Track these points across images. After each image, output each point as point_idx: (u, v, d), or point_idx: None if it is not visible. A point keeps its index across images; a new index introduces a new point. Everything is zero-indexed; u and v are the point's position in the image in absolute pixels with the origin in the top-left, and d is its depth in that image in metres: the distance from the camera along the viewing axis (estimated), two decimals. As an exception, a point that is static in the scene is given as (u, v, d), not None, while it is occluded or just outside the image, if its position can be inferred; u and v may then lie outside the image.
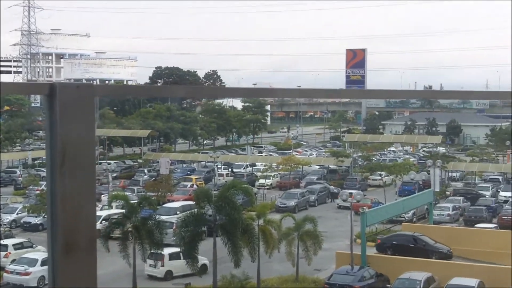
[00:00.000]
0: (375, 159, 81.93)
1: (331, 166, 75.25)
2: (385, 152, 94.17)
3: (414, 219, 49.95)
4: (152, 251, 33.72)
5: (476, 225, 46.11)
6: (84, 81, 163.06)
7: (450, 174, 72.80)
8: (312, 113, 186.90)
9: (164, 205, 49.50)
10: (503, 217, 49.66)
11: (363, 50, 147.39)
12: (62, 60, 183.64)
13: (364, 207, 41.39)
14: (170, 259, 35.66)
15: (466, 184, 68.16)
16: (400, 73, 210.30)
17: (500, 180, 70.15)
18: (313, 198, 58.91)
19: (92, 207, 1.98)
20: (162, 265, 35.50)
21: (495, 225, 47.08)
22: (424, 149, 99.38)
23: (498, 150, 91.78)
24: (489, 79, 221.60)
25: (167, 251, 34.95)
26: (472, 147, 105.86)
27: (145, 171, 72.10)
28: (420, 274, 31.82)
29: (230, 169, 75.00)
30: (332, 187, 62.92)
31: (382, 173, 67.10)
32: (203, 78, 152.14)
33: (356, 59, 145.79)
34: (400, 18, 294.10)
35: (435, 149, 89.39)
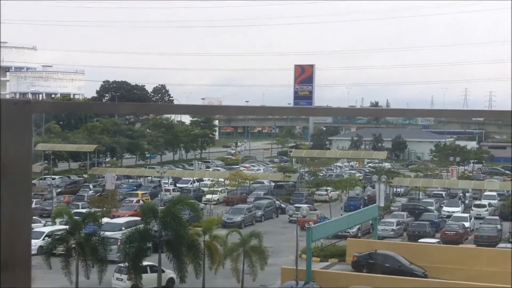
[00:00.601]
0: (321, 174, 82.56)
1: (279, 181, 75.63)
2: (332, 168, 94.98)
3: (359, 234, 50.44)
4: (120, 265, 33.24)
5: (420, 240, 46.78)
6: (30, 95, 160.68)
7: (394, 189, 73.75)
8: (260, 128, 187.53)
9: (109, 221, 48.92)
10: (446, 232, 50.53)
11: (311, 66, 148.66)
12: (7, 73, 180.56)
13: (310, 222, 41.64)
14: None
15: (410, 199, 69.10)
16: (348, 89, 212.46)
17: (444, 195, 71.38)
18: (260, 213, 59.04)
19: (27, 223, 2.00)
20: (129, 279, 34.94)
21: (438, 240, 47.85)
22: (369, 164, 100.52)
23: (442, 166, 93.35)
24: (434, 95, 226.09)
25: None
26: (416, 163, 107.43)
27: (91, 186, 71.22)
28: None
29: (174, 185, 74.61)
30: (278, 202, 63.25)
31: (328, 188, 67.65)
32: (151, 92, 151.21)
33: (304, 75, 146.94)
34: (348, 34, 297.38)
35: (381, 164, 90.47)
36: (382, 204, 58.18)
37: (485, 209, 61.72)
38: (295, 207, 47.43)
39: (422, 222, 53.84)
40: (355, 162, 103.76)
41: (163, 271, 34.34)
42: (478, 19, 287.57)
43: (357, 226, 49.52)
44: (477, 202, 65.53)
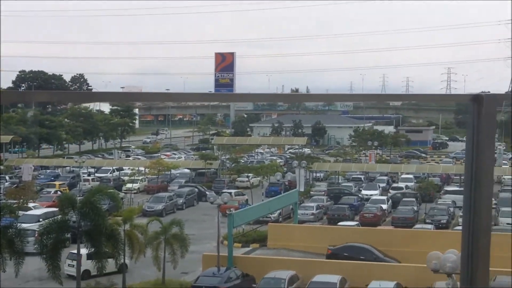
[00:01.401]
0: (242, 161, 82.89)
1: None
2: (253, 154, 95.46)
3: (280, 219, 50.94)
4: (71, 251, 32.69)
5: (339, 223, 47.55)
6: None
7: (314, 174, 74.69)
8: (181, 116, 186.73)
9: (26, 213, 47.85)
10: (365, 215, 51.55)
11: (232, 54, 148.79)
12: None
13: (231, 209, 41.75)
14: (87, 259, 34.61)
15: (330, 184, 70.12)
16: (268, 77, 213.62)
17: (362, 179, 72.78)
18: (181, 201, 58.90)
19: None
20: (80, 265, 34.24)
21: (357, 222, 48.77)
22: (290, 150, 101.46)
23: (360, 150, 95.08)
24: (353, 81, 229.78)
25: (84, 251, 33.98)
26: (336, 148, 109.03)
27: (7, 177, 69.47)
28: (285, 273, 32.43)
29: (93, 175, 73.58)
30: (204, 188, 63.45)
31: (249, 174, 67.96)
32: (69, 81, 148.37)
33: (225, 63, 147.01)
34: (268, 22, 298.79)
35: (301, 150, 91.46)
36: (302, 189, 58.87)
37: (402, 191, 63.17)
38: (224, 192, 47.26)
39: (341, 205, 54.77)
40: (275, 148, 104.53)
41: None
42: (400, 8, 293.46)
43: (278, 211, 49.96)
44: (395, 185, 67.03)
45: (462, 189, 63.31)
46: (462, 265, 3.01)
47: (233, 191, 59.85)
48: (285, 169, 75.93)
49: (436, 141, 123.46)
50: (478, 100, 2.92)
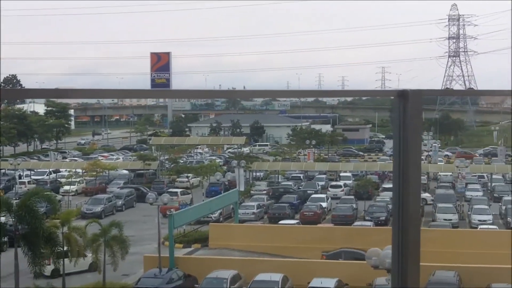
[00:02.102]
0: (182, 161, 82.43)
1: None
2: (192, 154, 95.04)
3: (221, 219, 50.83)
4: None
5: (280, 222, 47.70)
6: None
7: (254, 173, 74.81)
8: (118, 117, 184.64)
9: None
10: (305, 213, 51.84)
11: (168, 54, 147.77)
12: None
13: (172, 209, 41.45)
14: (57, 258, 34.45)
15: (270, 183, 70.31)
16: (205, 76, 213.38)
17: (301, 177, 73.24)
18: (120, 202, 58.25)
19: None
20: (49, 264, 34.04)
21: (298, 220, 48.99)
22: (229, 150, 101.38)
23: (298, 149, 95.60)
24: (289, 81, 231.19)
25: None
26: (275, 147, 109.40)
27: None
28: (227, 272, 32.37)
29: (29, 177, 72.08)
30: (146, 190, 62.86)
31: (189, 175, 67.62)
32: (2, 82, 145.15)
33: (160, 63, 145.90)
34: (203, 22, 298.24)
35: (240, 149, 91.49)
36: (242, 189, 58.87)
37: (341, 189, 63.82)
38: (170, 191, 46.85)
39: (282, 204, 54.98)
40: (214, 148, 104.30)
41: None
42: (336, 7, 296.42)
43: (219, 211, 49.85)
44: (333, 183, 67.62)
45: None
46: (393, 261, 3.01)
47: (178, 190, 60.32)
48: (225, 168, 75.84)
49: (373, 139, 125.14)
50: (404, 95, 2.92)
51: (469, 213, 50.98)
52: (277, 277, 31.59)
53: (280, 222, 47.62)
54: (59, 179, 70.31)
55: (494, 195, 60.27)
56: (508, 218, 45.60)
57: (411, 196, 2.97)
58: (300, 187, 65.64)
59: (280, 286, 30.89)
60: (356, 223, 47.84)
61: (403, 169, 2.96)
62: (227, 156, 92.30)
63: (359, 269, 30.32)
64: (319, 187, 65.74)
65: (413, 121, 2.94)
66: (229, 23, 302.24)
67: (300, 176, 73.73)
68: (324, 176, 73.03)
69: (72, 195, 62.41)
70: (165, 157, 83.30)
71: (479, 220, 48.05)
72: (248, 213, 52.17)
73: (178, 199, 56.82)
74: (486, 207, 51.72)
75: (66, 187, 64.72)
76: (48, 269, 34.82)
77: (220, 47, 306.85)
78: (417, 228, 3.00)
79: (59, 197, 55.96)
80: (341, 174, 72.29)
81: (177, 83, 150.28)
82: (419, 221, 3.03)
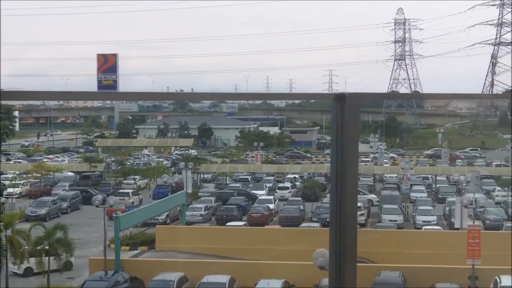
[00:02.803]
0: (128, 163, 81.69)
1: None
2: (139, 156, 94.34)
3: (168, 221, 50.57)
4: None
5: (227, 224, 47.65)
6: None
7: (202, 175, 74.60)
8: (63, 119, 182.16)
9: None
10: (252, 215, 51.91)
11: (115, 55, 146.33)
12: None
13: (118, 212, 41.04)
14: (30, 256, 34.52)
15: (217, 185, 70.21)
16: (152, 78, 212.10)
17: (249, 179, 73.37)
18: (66, 205, 57.48)
19: None
20: (22, 262, 34.07)
21: (245, 222, 49.03)
22: (176, 152, 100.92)
23: (246, 151, 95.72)
24: (238, 83, 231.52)
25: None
26: (223, 149, 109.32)
27: None
28: (173, 275, 32.20)
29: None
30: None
31: (136, 177, 67.07)
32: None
33: (107, 64, 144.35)
34: (150, 24, 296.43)
35: (187, 151, 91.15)
36: (189, 191, 58.71)
37: (288, 191, 64.10)
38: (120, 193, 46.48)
39: (229, 206, 54.96)
40: (162, 150, 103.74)
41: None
42: (282, 10, 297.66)
43: (166, 213, 49.59)
44: (281, 184, 67.85)
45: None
46: (330, 261, 3.03)
47: (130, 190, 60.62)
48: (173, 169, 75.44)
49: (320, 141, 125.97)
50: (341, 99, 2.95)
51: (414, 214, 51.69)
52: (224, 278, 31.56)
53: (228, 224, 47.58)
54: (2, 181, 69.00)
55: (438, 196, 61.26)
56: (452, 219, 46.32)
57: (348, 198, 2.98)
58: (248, 189, 65.71)
59: (227, 288, 30.85)
60: (303, 224, 48.08)
61: (341, 172, 2.97)
62: (175, 158, 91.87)
63: (306, 270, 30.46)
64: (266, 188, 65.91)
65: (350, 124, 2.96)
66: (178, 25, 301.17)
67: (248, 178, 73.85)
68: (271, 177, 73.25)
69: (16, 198, 61.33)
70: (112, 159, 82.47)
71: (423, 221, 48.73)
72: (195, 215, 52.00)
73: (130, 199, 56.65)
74: (431, 208, 52.52)
75: (10, 189, 63.58)
76: (21, 267, 35.14)
77: (168, 50, 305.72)
78: (354, 229, 3.02)
79: (2, 199, 54.91)
80: (288, 175, 72.50)
81: (124, 85, 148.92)
82: (355, 223, 3.05)
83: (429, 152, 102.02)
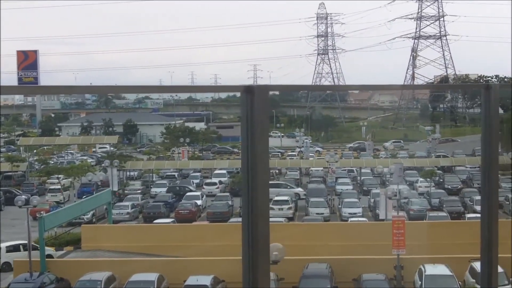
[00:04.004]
0: (52, 162, 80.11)
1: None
2: (63, 155, 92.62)
3: (94, 220, 49.85)
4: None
5: (155, 221, 47.31)
6: None
7: (128, 173, 73.80)
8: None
9: None
10: (180, 211, 51.65)
11: (35, 52, 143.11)
12: None
13: (42, 212, 40.18)
14: (7, 252, 34.96)
15: (144, 182, 69.57)
16: (75, 75, 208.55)
17: (176, 176, 73.03)
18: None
19: None
20: None
21: (173, 219, 48.76)
22: (101, 149, 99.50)
23: (173, 147, 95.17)
24: (162, 79, 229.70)
25: (4, 244, 31.76)
26: (149, 145, 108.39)
27: None
28: (101, 274, 31.79)
29: None
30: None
31: (60, 176, 65.85)
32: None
33: (28, 61, 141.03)
34: (71, 20, 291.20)
35: (112, 149, 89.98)
36: (115, 189, 58.02)
37: (216, 186, 64.05)
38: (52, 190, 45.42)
39: (156, 203, 54.58)
40: (86, 148, 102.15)
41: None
42: (208, 5, 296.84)
43: (91, 212, 48.88)
44: (208, 180, 67.75)
45: (272, 182, 65.23)
46: (243, 253, 3.03)
47: (61, 187, 60.49)
48: (98, 167, 74.39)
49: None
50: (250, 91, 2.95)
51: (340, 206, 52.44)
52: (152, 276, 31.33)
53: (155, 221, 47.26)
54: None
55: (363, 188, 62.31)
56: (377, 211, 47.20)
57: (259, 191, 2.98)
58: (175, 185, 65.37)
59: (155, 286, 30.65)
60: (232, 219, 48.13)
61: (251, 163, 2.96)
62: (100, 156, 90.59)
63: (235, 265, 30.49)
64: (194, 184, 65.70)
65: (260, 116, 2.96)
66: (100, 21, 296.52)
67: (174, 175, 73.47)
68: (199, 174, 73.04)
69: None
70: (35, 158, 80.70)
71: (349, 213, 49.51)
72: (122, 213, 51.46)
73: (61, 195, 56.30)
74: (356, 200, 53.39)
75: None
76: None
77: (89, 45, 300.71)
78: (266, 221, 3.02)
79: None
80: (216, 171, 72.40)
81: (45, 82, 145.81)
82: (268, 216, 3.05)
83: (351, 145, 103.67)
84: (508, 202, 51.29)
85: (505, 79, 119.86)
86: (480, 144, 3.51)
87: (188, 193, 58.38)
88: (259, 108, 2.95)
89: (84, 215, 47.11)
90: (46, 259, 34.62)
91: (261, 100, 2.95)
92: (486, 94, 3.45)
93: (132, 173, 75.26)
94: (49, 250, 37.99)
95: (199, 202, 55.02)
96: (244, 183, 3.00)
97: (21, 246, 38.80)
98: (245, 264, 3.02)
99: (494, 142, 3.50)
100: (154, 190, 63.63)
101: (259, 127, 2.95)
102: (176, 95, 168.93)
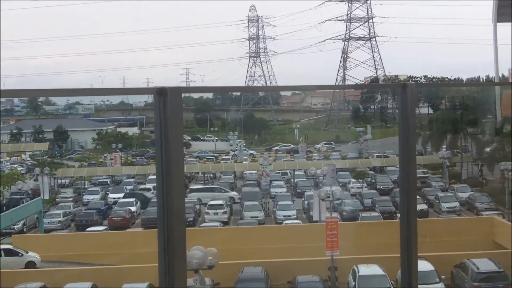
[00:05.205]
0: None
1: None
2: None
3: (25, 229, 48.77)
4: None
5: (88, 229, 46.55)
6: None
7: (59, 180, 72.47)
8: None
9: None
10: (113, 218, 50.95)
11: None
12: None
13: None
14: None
15: (76, 189, 68.40)
16: (3, 81, 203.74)
17: (109, 182, 72.05)
18: None
19: None
20: None
21: (106, 227, 48.07)
22: (31, 157, 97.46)
23: (104, 153, 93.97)
24: (92, 83, 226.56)
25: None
26: (80, 152, 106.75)
27: None
28: (33, 285, 31.09)
29: None
30: None
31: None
32: None
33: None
34: (2, 24, 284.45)
35: (43, 156, 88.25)
36: (46, 197, 56.95)
37: (150, 192, 63.41)
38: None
39: (89, 210, 53.74)
40: (16, 156, 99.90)
41: (22, 254, 36.69)
42: (136, 8, 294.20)
43: (22, 222, 47.81)
44: (142, 186, 67.02)
45: (206, 186, 64.83)
46: (159, 259, 3.00)
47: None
48: (28, 176, 72.78)
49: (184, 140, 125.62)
50: (163, 93, 2.94)
51: (274, 209, 52.61)
52: (85, 285, 30.81)
53: (88, 229, 46.50)
54: None
55: (297, 190, 62.65)
56: (311, 212, 47.53)
57: (174, 193, 2.94)
58: (108, 192, 64.44)
59: (89, 295, 30.14)
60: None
61: (166, 167, 2.92)
62: (30, 163, 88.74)
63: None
64: (127, 191, 64.89)
65: (173, 118, 2.93)
66: (29, 25, 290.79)
67: (107, 181, 72.51)
68: (132, 180, 72.21)
69: None
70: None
71: (283, 216, 49.68)
72: (54, 222, 50.47)
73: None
74: (290, 202, 53.61)
75: None
76: None
77: (18, 50, 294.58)
78: (182, 225, 2.98)
79: None
80: (150, 177, 71.65)
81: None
82: (184, 219, 3.01)
83: (277, 148, 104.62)
84: (438, 201, 52.38)
85: (433, 79, 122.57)
86: (398, 143, 3.54)
87: (121, 200, 57.65)
88: (172, 111, 2.92)
89: (14, 225, 46.05)
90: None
91: (174, 102, 2.91)
92: (402, 93, 3.47)
93: (63, 181, 73.96)
94: None
95: (133, 208, 54.37)
96: (158, 188, 2.94)
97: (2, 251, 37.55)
98: (161, 271, 2.96)
99: (411, 140, 3.53)
100: (86, 197, 62.66)
101: (172, 130, 2.91)
102: (108, 100, 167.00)
